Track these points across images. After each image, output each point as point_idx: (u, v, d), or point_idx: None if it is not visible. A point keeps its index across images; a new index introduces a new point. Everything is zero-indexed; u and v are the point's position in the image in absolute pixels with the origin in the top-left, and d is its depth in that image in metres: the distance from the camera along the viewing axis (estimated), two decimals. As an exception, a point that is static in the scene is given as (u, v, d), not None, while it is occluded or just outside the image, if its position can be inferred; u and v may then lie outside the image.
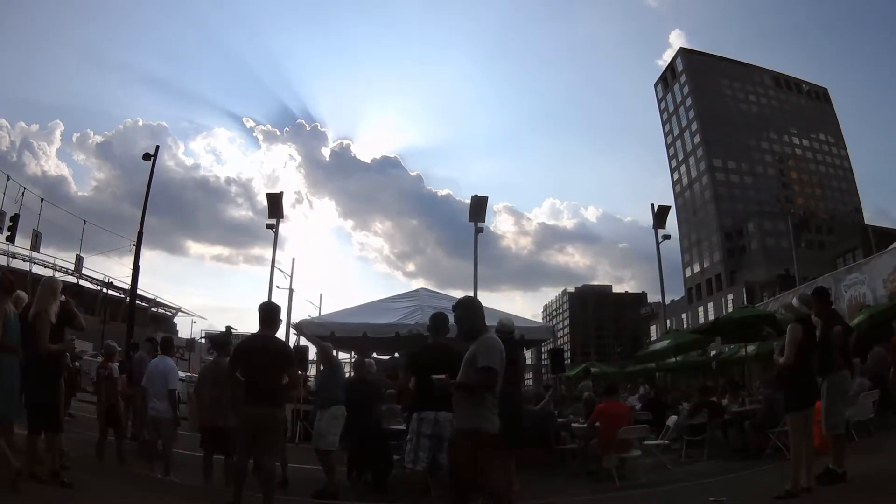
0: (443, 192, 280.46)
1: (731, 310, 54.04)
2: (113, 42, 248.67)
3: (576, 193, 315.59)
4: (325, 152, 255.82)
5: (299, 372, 14.17)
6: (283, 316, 7.36)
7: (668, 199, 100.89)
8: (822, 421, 7.15)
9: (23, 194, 33.11)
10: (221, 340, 9.43)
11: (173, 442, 8.99)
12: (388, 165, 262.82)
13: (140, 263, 24.30)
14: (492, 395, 5.14)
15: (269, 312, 6.70)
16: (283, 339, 22.42)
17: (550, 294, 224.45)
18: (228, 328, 10.12)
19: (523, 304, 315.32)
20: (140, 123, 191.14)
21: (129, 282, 26.79)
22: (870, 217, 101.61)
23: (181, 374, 11.19)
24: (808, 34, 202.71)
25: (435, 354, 6.54)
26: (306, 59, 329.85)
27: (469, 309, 5.58)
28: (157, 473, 8.63)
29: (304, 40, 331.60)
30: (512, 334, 7.56)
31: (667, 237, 30.71)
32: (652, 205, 30.35)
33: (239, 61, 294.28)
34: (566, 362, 65.57)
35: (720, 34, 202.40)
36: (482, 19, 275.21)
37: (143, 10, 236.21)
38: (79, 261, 41.34)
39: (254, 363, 6.36)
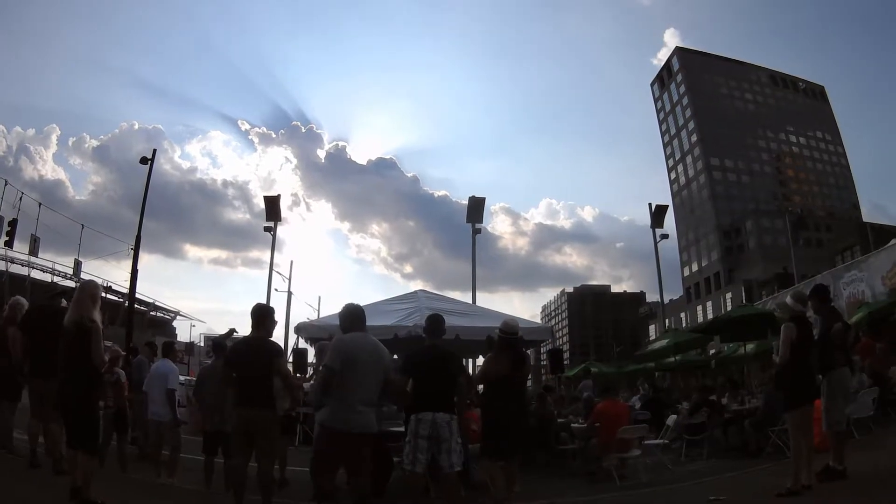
0: (440, 193, 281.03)
1: (729, 308, 54.08)
2: (107, 46, 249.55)
3: (572, 193, 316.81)
4: (321, 154, 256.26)
5: (297, 374, 14.18)
6: (281, 318, 7.34)
7: (665, 199, 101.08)
8: (823, 418, 7.15)
9: (20, 199, 33.08)
10: (219, 343, 9.40)
11: (178, 445, 8.97)
12: (384, 167, 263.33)
13: (138, 267, 24.30)
14: (339, 390, 5.58)
15: (259, 314, 6.68)
16: (282, 341, 22.45)
17: (548, 294, 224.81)
18: (231, 330, 10.07)
19: (521, 305, 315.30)
20: (136, 127, 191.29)
21: (128, 286, 26.78)
22: (867, 214, 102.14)
23: (181, 377, 11.13)
24: (804, 31, 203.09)
25: (430, 356, 6.56)
26: (300, 61, 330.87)
27: (342, 315, 6.25)
28: (161, 478, 8.60)
29: (297, 41, 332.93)
30: (516, 335, 7.40)
31: (665, 236, 30.83)
32: (650, 204, 30.58)
33: (232, 63, 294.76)
34: (565, 363, 65.55)
35: (715, 32, 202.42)
36: (476, 19, 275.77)
37: (136, 13, 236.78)
38: (77, 265, 41.26)
39: (243, 365, 6.36)
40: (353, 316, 6.12)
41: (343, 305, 6.41)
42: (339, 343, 5.87)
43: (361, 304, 14.51)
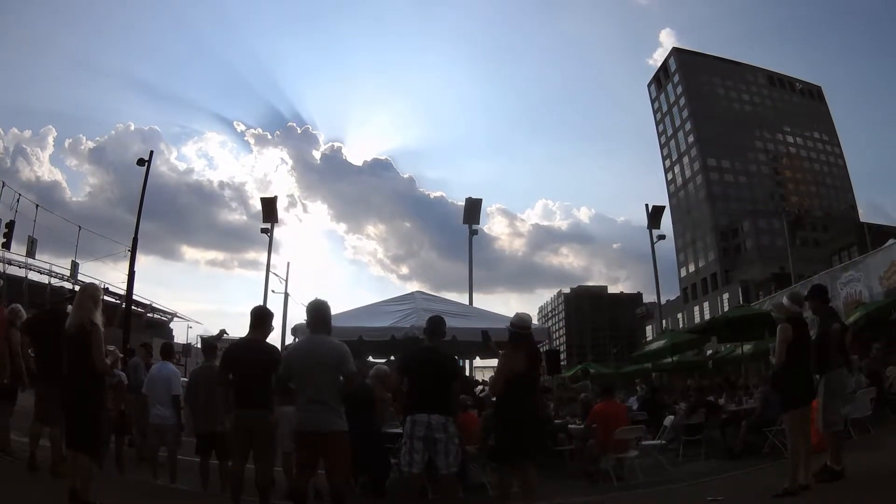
0: (436, 193, 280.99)
1: (726, 309, 54.13)
2: (103, 47, 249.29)
3: (568, 194, 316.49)
4: (317, 155, 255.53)
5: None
6: (278, 321, 7.31)
7: (661, 199, 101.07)
8: (820, 418, 7.15)
9: (18, 200, 33.07)
10: (210, 344, 9.37)
11: (178, 449, 8.94)
12: (379, 168, 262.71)
13: (135, 269, 24.26)
14: (297, 395, 5.97)
15: (258, 317, 6.70)
16: (279, 342, 22.41)
17: (545, 296, 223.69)
18: (222, 331, 10.09)
19: (518, 306, 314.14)
20: (132, 128, 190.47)
21: (125, 287, 26.77)
22: (865, 213, 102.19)
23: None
24: (800, 31, 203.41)
25: (427, 357, 6.52)
26: (295, 61, 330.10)
27: (306, 312, 6.40)
28: (160, 481, 8.57)
29: (292, 42, 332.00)
30: (529, 330, 6.94)
31: (662, 237, 30.85)
32: (646, 205, 30.65)
33: (227, 64, 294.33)
34: (562, 364, 65.57)
35: (711, 32, 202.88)
36: (471, 19, 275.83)
37: (131, 15, 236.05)
38: (74, 267, 41.28)
39: (241, 367, 6.36)
40: (314, 314, 6.23)
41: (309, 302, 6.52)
42: (285, 354, 6.40)
43: (358, 306, 14.46)
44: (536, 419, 6.88)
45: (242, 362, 6.35)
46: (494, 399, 7.15)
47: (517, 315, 7.09)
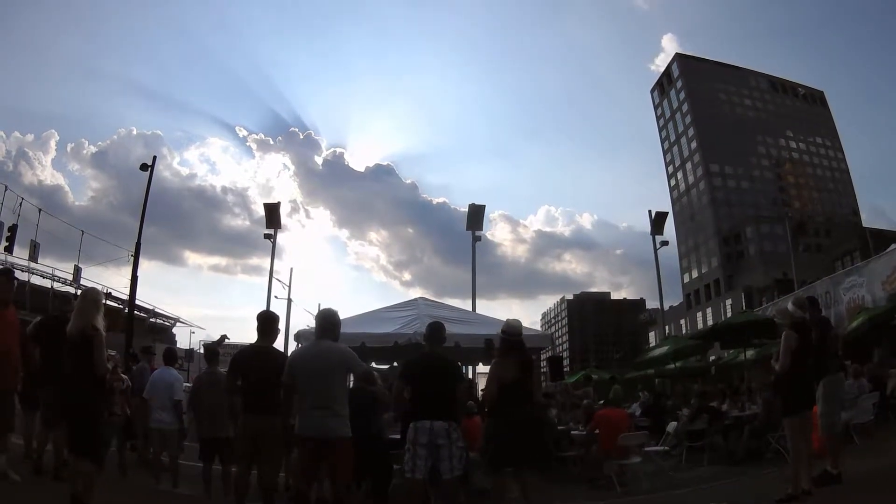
0: (438, 199, 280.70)
1: (729, 315, 54.06)
2: (105, 52, 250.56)
3: (571, 200, 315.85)
4: (319, 161, 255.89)
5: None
6: (281, 327, 7.29)
7: (665, 205, 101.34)
8: (820, 422, 7.20)
9: (20, 204, 33.14)
10: (212, 350, 9.39)
11: (180, 454, 8.95)
12: (381, 173, 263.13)
13: (138, 273, 24.30)
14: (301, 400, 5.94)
15: (266, 322, 6.70)
16: (282, 348, 22.37)
17: (548, 302, 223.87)
18: (223, 337, 10.13)
19: (521, 313, 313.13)
20: (134, 133, 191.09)
21: (128, 292, 26.80)
22: (867, 218, 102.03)
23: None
24: (803, 36, 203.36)
25: (428, 363, 6.53)
26: (296, 66, 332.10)
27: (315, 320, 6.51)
28: (162, 486, 8.58)
29: (293, 47, 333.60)
30: (520, 337, 6.91)
31: (664, 243, 30.80)
32: (649, 211, 30.62)
33: (229, 69, 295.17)
34: (565, 370, 65.40)
35: (713, 38, 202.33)
36: (474, 24, 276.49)
37: (133, 19, 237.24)
38: (77, 271, 41.30)
39: (250, 373, 6.35)
40: (322, 321, 6.28)
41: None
42: (288, 359, 6.34)
43: (361, 312, 14.48)
44: (532, 426, 6.70)
45: (251, 368, 6.35)
46: (487, 409, 7.12)
47: (507, 322, 7.04)
